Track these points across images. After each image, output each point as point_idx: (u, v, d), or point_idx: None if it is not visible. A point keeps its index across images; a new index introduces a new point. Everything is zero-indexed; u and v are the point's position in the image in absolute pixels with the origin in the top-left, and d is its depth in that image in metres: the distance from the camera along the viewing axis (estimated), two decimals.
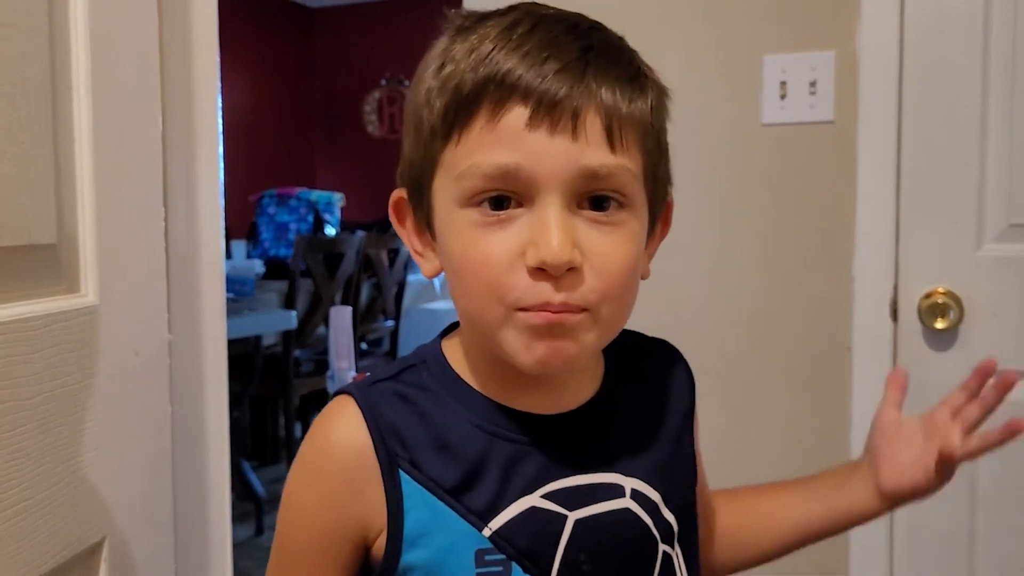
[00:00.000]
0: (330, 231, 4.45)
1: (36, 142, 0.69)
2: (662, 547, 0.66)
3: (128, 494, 0.81)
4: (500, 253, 0.57)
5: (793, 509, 0.79)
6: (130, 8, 0.82)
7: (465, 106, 0.58)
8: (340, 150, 6.02)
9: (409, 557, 0.61)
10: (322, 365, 4.03)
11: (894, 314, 1.54)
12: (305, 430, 4.23)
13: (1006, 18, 1.47)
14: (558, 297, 0.56)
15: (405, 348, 4.62)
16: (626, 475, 0.65)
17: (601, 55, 0.59)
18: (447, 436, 0.63)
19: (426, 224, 0.64)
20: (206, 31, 0.94)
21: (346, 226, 4.84)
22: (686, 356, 0.77)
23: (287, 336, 3.46)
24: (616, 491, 0.64)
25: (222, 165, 1.00)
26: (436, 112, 0.59)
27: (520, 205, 0.58)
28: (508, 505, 0.61)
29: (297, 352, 3.60)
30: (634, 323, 0.75)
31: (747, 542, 0.80)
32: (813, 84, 1.60)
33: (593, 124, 0.57)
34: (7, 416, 0.66)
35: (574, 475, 0.63)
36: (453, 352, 0.67)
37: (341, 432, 0.63)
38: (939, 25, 1.51)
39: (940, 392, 1.52)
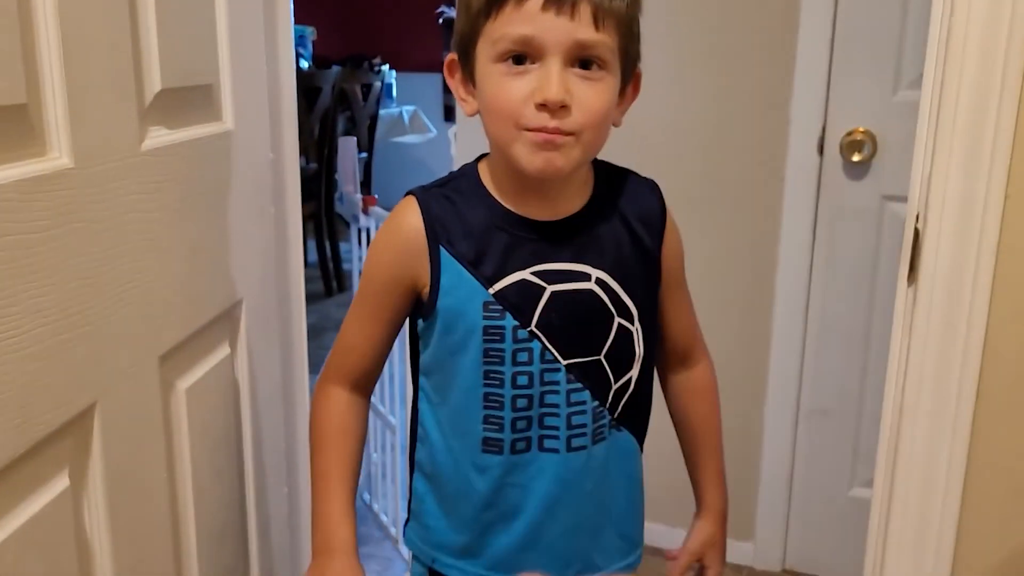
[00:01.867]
0: (304, 65, 4.58)
1: (201, 13, 0.96)
2: (617, 320, 0.95)
3: (253, 269, 1.12)
4: (518, 93, 0.83)
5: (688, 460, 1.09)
6: None
7: None
8: None
9: (443, 301, 0.92)
10: (301, 194, 4.28)
11: (820, 149, 1.86)
12: None
13: None
14: (553, 122, 0.83)
15: (378, 179, 4.87)
16: (594, 267, 0.93)
17: None
18: (471, 226, 0.92)
19: (470, 77, 0.92)
20: None
21: (318, 61, 4.96)
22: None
23: None
24: (584, 277, 0.93)
25: (293, 23, 1.26)
26: None
27: (533, 63, 0.83)
28: (506, 276, 0.90)
29: None
30: (607, 153, 1.04)
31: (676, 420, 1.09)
32: None
33: (585, 11, 0.82)
34: (196, 206, 0.96)
35: (555, 262, 0.93)
36: (483, 170, 0.96)
37: (406, 218, 0.93)
38: None
39: (853, 212, 1.87)
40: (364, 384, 0.99)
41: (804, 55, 1.84)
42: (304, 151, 4.13)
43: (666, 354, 1.07)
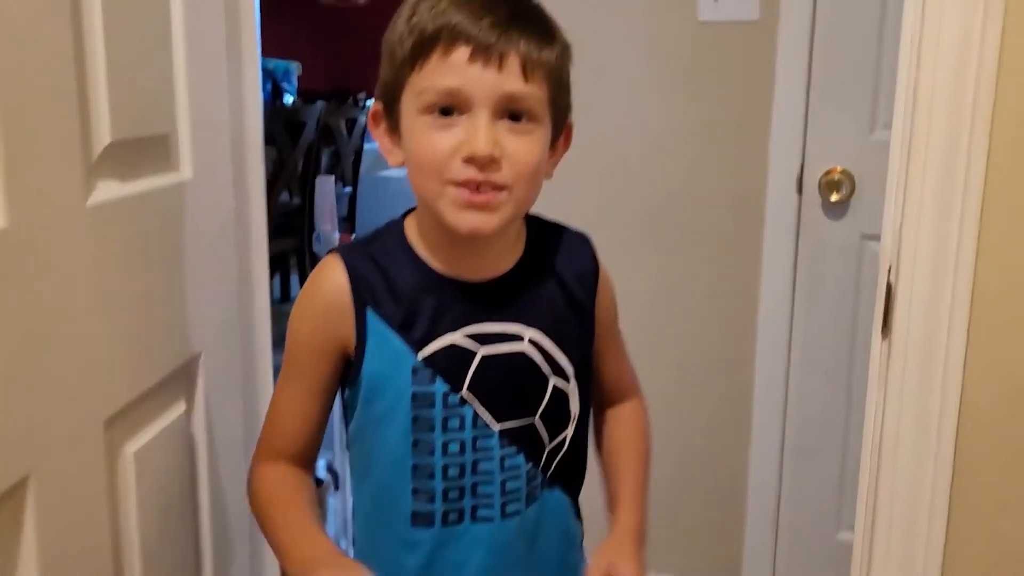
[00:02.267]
0: (288, 100, 4.57)
1: (156, 54, 0.93)
2: (552, 380, 0.92)
3: (212, 321, 1.09)
4: (443, 146, 0.80)
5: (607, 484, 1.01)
6: None
7: (427, 44, 0.80)
8: (290, 18, 6.01)
9: (368, 366, 0.87)
10: (282, 229, 4.26)
11: (799, 188, 1.85)
12: (270, 288, 4.46)
13: None
14: (481, 176, 0.79)
15: (362, 213, 4.84)
16: (527, 326, 0.89)
17: (523, 17, 0.82)
18: (398, 288, 0.88)
19: (395, 128, 0.86)
20: None
21: (302, 95, 4.95)
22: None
23: None
24: (517, 338, 0.89)
25: (260, 61, 1.23)
26: (406, 48, 0.82)
27: (460, 114, 0.80)
28: (435, 339, 0.87)
29: None
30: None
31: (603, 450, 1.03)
32: None
33: (513, 63, 0.80)
34: (149, 262, 0.92)
35: (486, 323, 0.89)
36: (410, 228, 0.91)
37: (330, 278, 0.88)
38: None
39: (833, 251, 1.86)
40: (303, 460, 0.92)
41: (781, 94, 1.83)
42: (287, 186, 4.12)
43: (599, 398, 1.03)
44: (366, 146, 4.78)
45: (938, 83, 0.78)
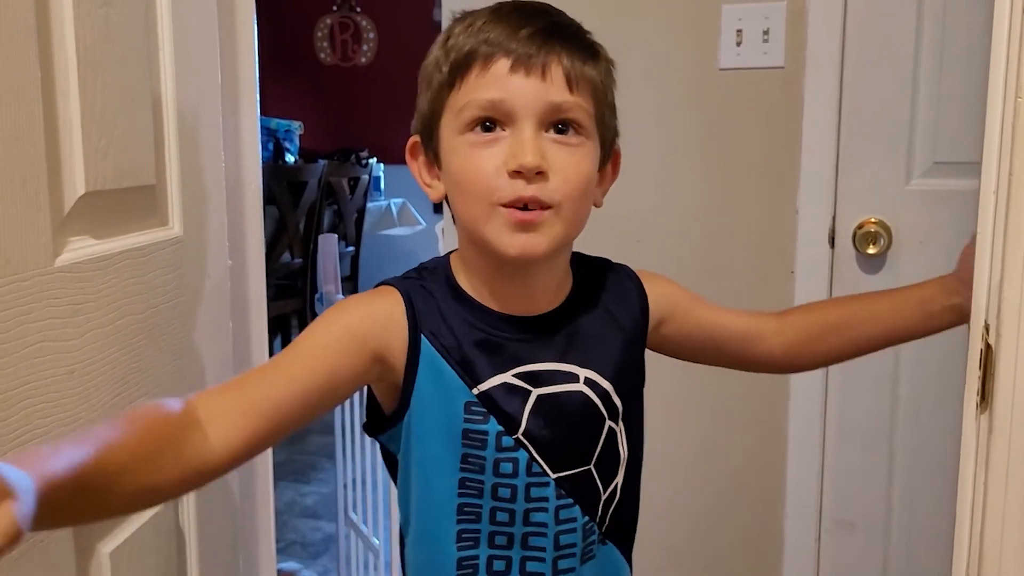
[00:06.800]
0: (290, 159, 4.51)
1: (140, 98, 0.83)
2: (608, 423, 0.85)
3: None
4: (489, 164, 0.75)
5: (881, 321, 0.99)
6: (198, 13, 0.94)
7: (465, 61, 0.77)
8: (292, 78, 5.99)
9: (419, 394, 0.80)
10: (284, 290, 4.15)
11: (832, 242, 1.74)
12: (270, 351, 4.35)
13: None
14: (529, 191, 0.74)
15: (365, 272, 4.74)
16: (581, 366, 0.83)
17: (564, 30, 0.79)
18: (450, 323, 0.82)
19: (434, 158, 0.82)
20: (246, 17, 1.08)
21: (304, 155, 4.90)
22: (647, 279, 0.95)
23: None
24: (572, 377, 0.83)
25: (259, 114, 1.14)
26: (444, 71, 0.78)
27: (503, 129, 0.76)
28: (489, 377, 0.81)
29: None
30: (604, 249, 0.93)
31: (840, 342, 0.98)
32: (766, 32, 1.76)
33: (557, 72, 0.76)
34: (129, 327, 0.81)
35: (538, 363, 0.82)
36: (456, 266, 0.86)
37: (389, 300, 0.81)
38: None
39: None
40: (221, 430, 0.69)
41: (809, 143, 1.73)
42: (289, 246, 4.02)
43: (745, 345, 0.96)
44: (369, 205, 4.71)
45: None
